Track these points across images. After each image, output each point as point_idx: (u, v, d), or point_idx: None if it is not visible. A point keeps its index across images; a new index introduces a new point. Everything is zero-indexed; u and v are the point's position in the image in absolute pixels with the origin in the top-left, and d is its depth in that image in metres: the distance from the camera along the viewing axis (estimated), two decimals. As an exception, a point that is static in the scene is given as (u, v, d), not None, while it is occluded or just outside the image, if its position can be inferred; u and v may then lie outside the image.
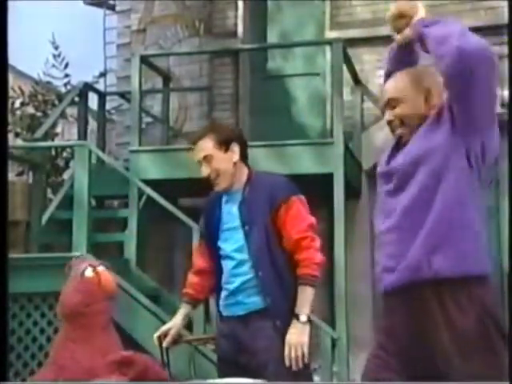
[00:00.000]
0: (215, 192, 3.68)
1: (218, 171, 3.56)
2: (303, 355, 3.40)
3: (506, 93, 7.19)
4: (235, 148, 3.59)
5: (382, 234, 2.80)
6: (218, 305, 3.67)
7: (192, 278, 3.78)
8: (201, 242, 3.80)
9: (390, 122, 2.87)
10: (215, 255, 3.63)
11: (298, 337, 3.41)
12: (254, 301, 3.49)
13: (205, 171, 3.58)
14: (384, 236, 2.78)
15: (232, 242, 3.56)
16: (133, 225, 6.82)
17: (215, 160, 3.56)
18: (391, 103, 2.86)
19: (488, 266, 2.71)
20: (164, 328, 3.71)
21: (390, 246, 2.74)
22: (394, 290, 2.73)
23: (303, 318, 3.43)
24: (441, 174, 2.68)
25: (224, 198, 3.64)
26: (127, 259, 6.83)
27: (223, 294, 3.60)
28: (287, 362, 3.39)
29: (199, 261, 3.77)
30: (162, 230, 7.90)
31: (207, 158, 3.56)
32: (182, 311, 3.76)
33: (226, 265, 3.58)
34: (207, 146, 3.57)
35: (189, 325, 5.79)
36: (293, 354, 3.40)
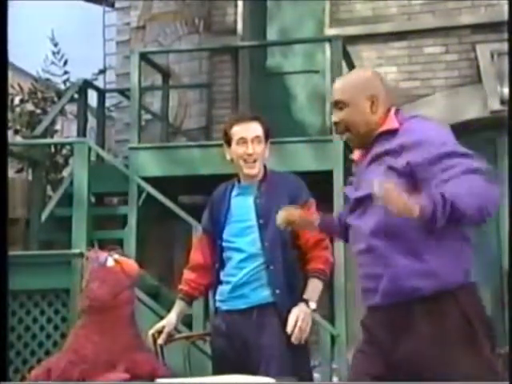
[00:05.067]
0: (224, 184, 3.74)
1: (259, 155, 3.64)
2: (304, 332, 3.43)
3: (505, 90, 7.20)
4: (268, 145, 3.71)
5: (356, 255, 2.83)
6: (214, 299, 3.67)
7: (188, 275, 3.77)
8: (202, 237, 3.79)
9: (336, 124, 2.90)
10: (218, 248, 3.63)
11: (304, 314, 3.44)
12: (259, 295, 3.50)
13: (251, 149, 3.61)
14: (358, 258, 2.81)
15: (244, 235, 3.57)
16: (132, 222, 6.81)
17: (261, 145, 3.65)
18: (338, 105, 2.87)
19: (466, 274, 2.69)
20: (158, 326, 3.70)
21: (366, 267, 2.77)
22: (377, 308, 2.75)
23: (313, 305, 3.49)
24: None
25: (235, 191, 3.68)
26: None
27: (225, 287, 3.58)
28: (289, 329, 3.40)
29: (197, 256, 3.76)
30: (161, 228, 7.90)
31: (257, 139, 3.63)
32: (177, 308, 3.75)
33: (233, 257, 3.57)
34: (259, 129, 3.66)
35: (189, 322, 5.80)
36: (299, 323, 3.41)
